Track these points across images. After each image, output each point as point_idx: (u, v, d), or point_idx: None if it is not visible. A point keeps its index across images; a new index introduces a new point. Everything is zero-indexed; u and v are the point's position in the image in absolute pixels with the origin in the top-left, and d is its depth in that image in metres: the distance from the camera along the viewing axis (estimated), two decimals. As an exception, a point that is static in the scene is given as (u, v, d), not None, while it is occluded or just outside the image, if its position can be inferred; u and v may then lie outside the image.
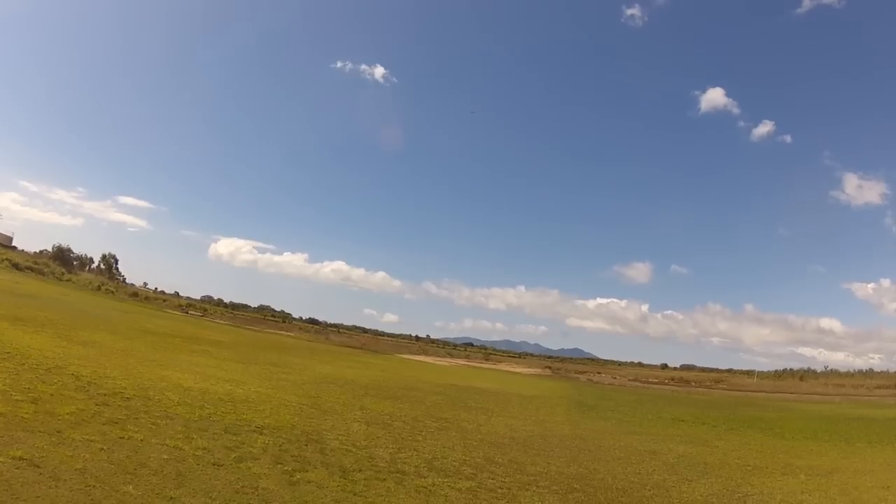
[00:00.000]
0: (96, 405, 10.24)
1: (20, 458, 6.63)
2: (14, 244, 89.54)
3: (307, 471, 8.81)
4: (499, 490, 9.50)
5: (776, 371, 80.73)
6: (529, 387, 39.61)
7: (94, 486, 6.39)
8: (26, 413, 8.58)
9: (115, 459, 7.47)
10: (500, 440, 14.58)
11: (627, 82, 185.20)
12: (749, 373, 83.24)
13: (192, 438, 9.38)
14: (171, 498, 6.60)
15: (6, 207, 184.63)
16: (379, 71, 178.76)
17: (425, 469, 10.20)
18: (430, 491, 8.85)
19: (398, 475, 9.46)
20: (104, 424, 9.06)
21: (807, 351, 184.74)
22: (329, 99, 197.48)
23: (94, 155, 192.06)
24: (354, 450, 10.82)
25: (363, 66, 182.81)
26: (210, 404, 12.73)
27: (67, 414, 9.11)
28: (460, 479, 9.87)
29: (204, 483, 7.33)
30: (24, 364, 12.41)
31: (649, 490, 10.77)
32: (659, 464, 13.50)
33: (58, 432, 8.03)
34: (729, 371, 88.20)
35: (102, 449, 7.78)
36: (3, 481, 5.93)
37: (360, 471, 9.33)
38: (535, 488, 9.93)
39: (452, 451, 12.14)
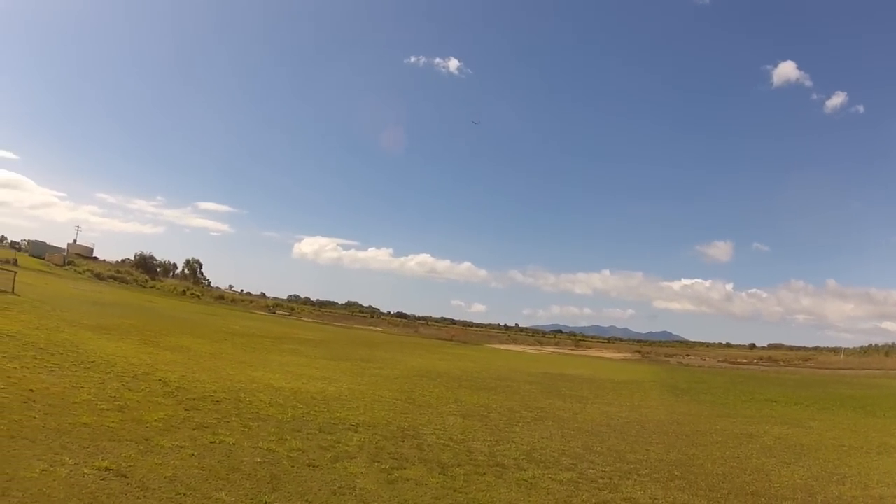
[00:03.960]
0: (185, 410, 10.66)
1: (106, 469, 6.84)
2: (95, 255, 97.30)
3: (405, 468, 8.87)
4: (600, 480, 9.54)
5: (861, 347, 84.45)
6: (621, 372, 40.75)
7: (184, 494, 6.50)
8: (113, 422, 8.95)
9: (206, 465, 7.64)
10: (598, 428, 14.83)
11: (699, 60, 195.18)
12: (835, 350, 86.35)
13: (286, 439, 9.58)
14: (266, 503, 6.64)
15: (85, 220, 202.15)
16: (453, 63, 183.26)
17: (525, 461, 10.30)
18: (531, 484, 8.87)
19: (498, 469, 9.54)
20: (194, 429, 9.36)
21: (890, 325, 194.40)
22: (404, 94, 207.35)
23: (170, 164, 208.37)
24: (452, 444, 10.98)
25: (437, 60, 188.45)
26: (303, 404, 13.08)
27: (156, 421, 9.47)
28: (560, 470, 9.97)
29: (299, 485, 7.37)
30: (109, 372, 13.13)
31: (749, 475, 10.99)
32: (756, 447, 13.95)
33: (146, 440, 8.31)
34: (815, 349, 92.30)
35: (193, 455, 7.98)
36: (88, 493, 6.10)
37: (458, 465, 9.41)
38: (636, 476, 10.02)
39: (550, 442, 12.38)
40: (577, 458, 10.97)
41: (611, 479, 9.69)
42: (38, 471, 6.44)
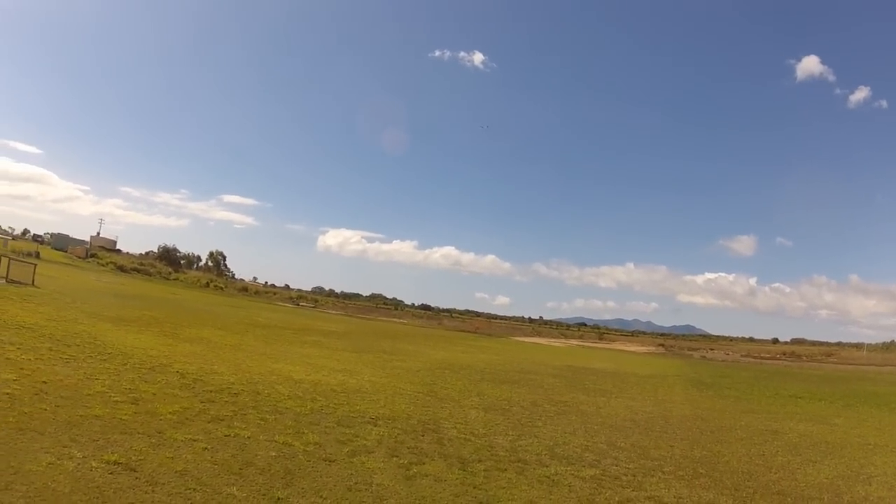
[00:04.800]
0: (201, 403, 10.62)
1: (115, 463, 6.76)
2: (118, 247, 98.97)
3: (424, 463, 8.76)
4: (623, 477, 9.45)
5: (884, 343, 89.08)
6: (645, 366, 41.31)
7: (194, 490, 6.40)
8: (125, 414, 8.92)
9: (219, 459, 7.55)
10: (621, 423, 14.80)
11: (723, 54, 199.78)
12: (858, 346, 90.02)
13: (303, 433, 9.49)
14: (279, 499, 6.52)
15: (109, 213, 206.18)
16: (478, 57, 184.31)
17: (547, 457, 10.21)
18: (553, 480, 8.77)
19: (519, 464, 9.44)
20: (209, 422, 9.30)
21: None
22: (429, 88, 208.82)
23: (194, 158, 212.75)
24: (473, 439, 10.90)
25: (462, 54, 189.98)
26: (322, 396, 13.03)
27: (170, 413, 9.42)
28: (583, 466, 9.89)
29: (314, 481, 7.26)
30: (125, 364, 13.17)
31: (775, 473, 11.01)
32: (781, 444, 14.09)
33: (158, 433, 8.26)
34: (838, 344, 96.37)
35: (206, 448, 7.90)
36: (95, 487, 6.02)
37: (479, 461, 9.30)
38: (660, 474, 9.98)
39: (573, 437, 12.32)
40: (600, 455, 10.89)
41: (634, 476, 9.61)
42: (44, 464, 6.38)
